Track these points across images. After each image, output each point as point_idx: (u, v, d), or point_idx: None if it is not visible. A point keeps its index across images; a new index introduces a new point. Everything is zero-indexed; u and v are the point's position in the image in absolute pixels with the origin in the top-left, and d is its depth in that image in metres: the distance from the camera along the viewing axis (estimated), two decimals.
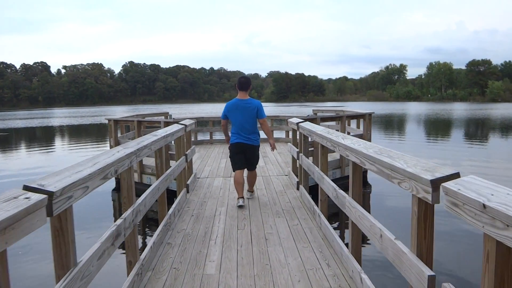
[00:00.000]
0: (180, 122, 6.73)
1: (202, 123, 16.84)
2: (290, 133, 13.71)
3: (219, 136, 17.38)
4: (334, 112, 13.38)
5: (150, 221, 7.54)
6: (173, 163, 6.14)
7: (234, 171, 6.21)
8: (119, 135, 10.94)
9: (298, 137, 7.48)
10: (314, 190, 6.68)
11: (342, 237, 6.56)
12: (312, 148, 7.03)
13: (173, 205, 5.48)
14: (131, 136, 10.40)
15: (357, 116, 10.12)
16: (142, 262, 3.60)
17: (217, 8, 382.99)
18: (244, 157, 6.09)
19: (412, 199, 2.28)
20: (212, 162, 9.90)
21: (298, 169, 6.99)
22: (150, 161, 9.17)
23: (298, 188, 6.81)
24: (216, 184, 7.46)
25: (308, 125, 5.88)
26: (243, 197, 5.94)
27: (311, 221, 5.09)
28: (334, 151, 4.41)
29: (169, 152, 7.77)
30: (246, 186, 6.49)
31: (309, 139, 6.22)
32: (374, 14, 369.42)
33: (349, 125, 11.18)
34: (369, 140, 9.85)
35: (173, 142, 6.70)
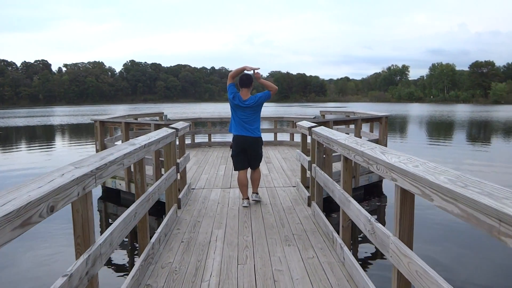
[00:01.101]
0: (171, 126, 5.71)
1: (200, 124, 15.84)
2: (296, 136, 12.75)
3: (219, 137, 16.41)
4: (344, 114, 12.37)
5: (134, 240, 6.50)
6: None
7: (236, 170, 6.04)
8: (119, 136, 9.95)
9: (309, 143, 6.51)
10: (326, 203, 5.67)
11: (363, 267, 5.55)
12: (324, 155, 6.03)
13: (159, 229, 4.45)
14: (121, 139, 9.37)
15: (372, 119, 9.09)
16: None
17: (220, 7, 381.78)
18: (246, 155, 5.91)
19: None
20: (209, 169, 8.87)
21: (309, 180, 5.98)
22: None
23: (309, 205, 5.78)
24: (213, 197, 6.43)
25: (324, 130, 4.85)
26: (248, 198, 5.91)
27: (330, 252, 4.06)
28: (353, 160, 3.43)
29: (161, 158, 6.75)
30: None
31: (324, 146, 5.20)
32: (376, 16, 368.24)
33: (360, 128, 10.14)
34: (385, 146, 8.82)
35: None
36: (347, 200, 3.57)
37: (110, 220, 7.90)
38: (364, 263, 5.41)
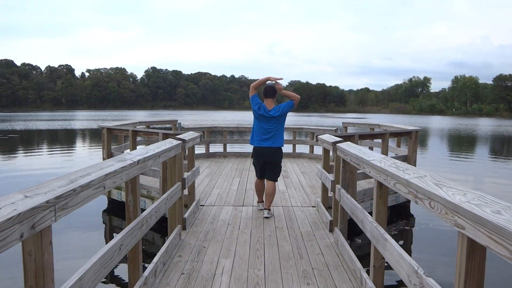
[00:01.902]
0: (178, 136, 5.09)
1: (216, 132, 15.28)
2: (316, 149, 12.02)
3: (236, 147, 15.84)
4: (367, 126, 11.63)
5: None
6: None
7: (256, 177, 6.15)
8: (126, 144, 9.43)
9: (331, 156, 5.87)
10: (349, 225, 4.88)
11: None
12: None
13: (156, 257, 3.81)
14: (129, 147, 8.82)
15: (401, 134, 8.33)
16: None
17: (240, 17, 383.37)
18: (265, 166, 5.90)
19: None
20: (222, 182, 8.22)
21: (331, 201, 5.30)
22: (144, 179, 7.57)
23: (331, 230, 5.08)
24: (223, 217, 5.77)
25: (352, 148, 4.17)
26: (263, 201, 6.04)
27: None
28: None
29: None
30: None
31: (351, 164, 4.52)
32: (396, 26, 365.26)
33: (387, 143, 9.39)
34: (415, 164, 8.06)
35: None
36: (383, 237, 2.88)
37: (114, 234, 7.32)
38: None
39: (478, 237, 1.66)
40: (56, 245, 6.02)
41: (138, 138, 8.98)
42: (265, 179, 5.98)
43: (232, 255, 4.27)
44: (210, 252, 4.36)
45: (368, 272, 3.42)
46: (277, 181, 5.99)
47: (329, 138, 5.32)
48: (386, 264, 3.18)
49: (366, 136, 8.22)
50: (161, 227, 5.97)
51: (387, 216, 3.26)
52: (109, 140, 8.19)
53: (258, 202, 6.20)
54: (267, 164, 5.86)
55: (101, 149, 9.00)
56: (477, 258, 1.84)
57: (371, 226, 3.20)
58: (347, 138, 6.20)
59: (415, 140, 8.05)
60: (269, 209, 5.87)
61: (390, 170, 2.75)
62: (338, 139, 5.02)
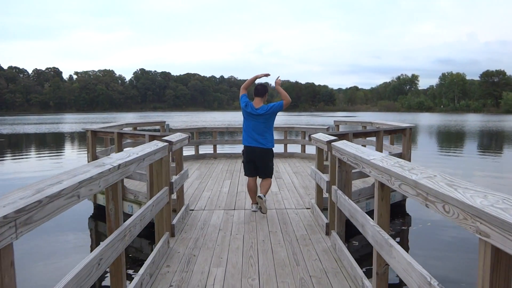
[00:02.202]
0: (164, 138, 4.83)
1: (205, 133, 15.02)
2: (308, 148, 11.81)
3: (227, 148, 15.61)
4: (359, 124, 11.44)
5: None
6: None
7: (245, 176, 6.09)
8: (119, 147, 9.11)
9: (325, 157, 5.66)
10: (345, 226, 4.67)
11: None
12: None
13: (142, 269, 3.55)
14: (115, 150, 8.53)
15: (395, 131, 8.13)
16: None
17: (228, 17, 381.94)
18: (255, 164, 5.86)
19: None
20: (212, 185, 7.95)
21: (327, 202, 5.08)
22: (131, 184, 7.29)
23: (327, 233, 4.85)
24: (214, 222, 5.51)
25: (349, 146, 3.94)
26: (257, 203, 5.84)
27: None
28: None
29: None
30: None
31: (347, 164, 4.29)
32: (384, 25, 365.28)
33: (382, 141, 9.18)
34: (409, 160, 7.87)
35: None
36: (387, 243, 2.64)
37: (100, 241, 7.04)
38: None
39: (507, 246, 1.43)
40: (36, 256, 5.71)
41: (126, 140, 8.70)
42: (258, 177, 5.96)
43: (224, 264, 4.02)
44: (201, 261, 4.11)
45: (368, 276, 3.19)
46: (271, 177, 5.96)
47: (323, 137, 5.09)
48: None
49: (360, 134, 8.01)
50: (149, 233, 5.70)
51: (389, 218, 3.03)
52: (94, 143, 7.90)
53: (252, 204, 6.03)
54: (259, 164, 5.84)
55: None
56: (502, 268, 1.61)
57: (373, 230, 2.97)
58: (341, 136, 5.97)
59: (409, 137, 7.86)
60: (264, 195, 5.71)
61: (394, 170, 2.52)
62: (333, 137, 4.78)
